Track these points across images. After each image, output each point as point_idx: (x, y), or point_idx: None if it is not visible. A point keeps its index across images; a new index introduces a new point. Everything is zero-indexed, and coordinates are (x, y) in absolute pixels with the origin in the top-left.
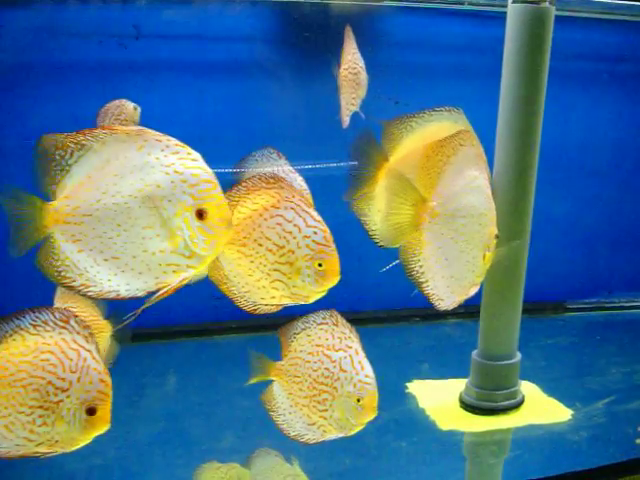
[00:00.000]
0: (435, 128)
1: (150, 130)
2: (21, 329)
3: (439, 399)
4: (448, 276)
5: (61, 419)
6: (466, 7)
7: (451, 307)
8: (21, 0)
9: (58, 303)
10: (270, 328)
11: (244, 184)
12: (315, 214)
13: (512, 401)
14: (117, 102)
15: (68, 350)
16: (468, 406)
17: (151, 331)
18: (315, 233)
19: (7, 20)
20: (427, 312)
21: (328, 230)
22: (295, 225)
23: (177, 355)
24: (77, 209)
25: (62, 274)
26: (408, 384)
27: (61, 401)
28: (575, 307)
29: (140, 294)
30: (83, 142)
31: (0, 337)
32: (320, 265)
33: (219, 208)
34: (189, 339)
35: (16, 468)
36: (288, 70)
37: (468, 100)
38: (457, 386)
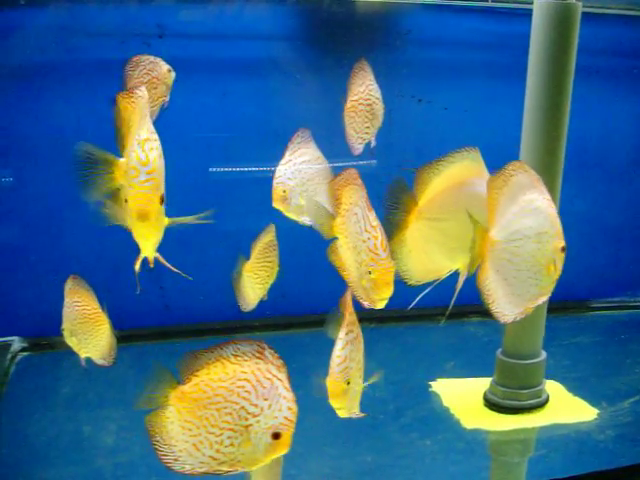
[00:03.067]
0: (457, 168)
1: None
2: (223, 357)
3: (463, 398)
4: (509, 294)
5: (248, 441)
6: (491, 4)
7: (517, 319)
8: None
9: (67, 297)
10: (293, 326)
11: (341, 177)
12: (372, 218)
13: (537, 400)
14: (151, 57)
15: (263, 379)
16: (493, 405)
17: (174, 329)
18: (368, 239)
19: (31, 19)
20: (450, 311)
21: (381, 237)
22: (359, 227)
23: None
24: None
25: None
26: (432, 383)
27: (250, 425)
28: (599, 306)
29: None
30: None
31: (203, 363)
32: (370, 273)
33: None
34: (211, 337)
35: (45, 464)
36: (310, 69)
37: (492, 98)
38: (481, 385)
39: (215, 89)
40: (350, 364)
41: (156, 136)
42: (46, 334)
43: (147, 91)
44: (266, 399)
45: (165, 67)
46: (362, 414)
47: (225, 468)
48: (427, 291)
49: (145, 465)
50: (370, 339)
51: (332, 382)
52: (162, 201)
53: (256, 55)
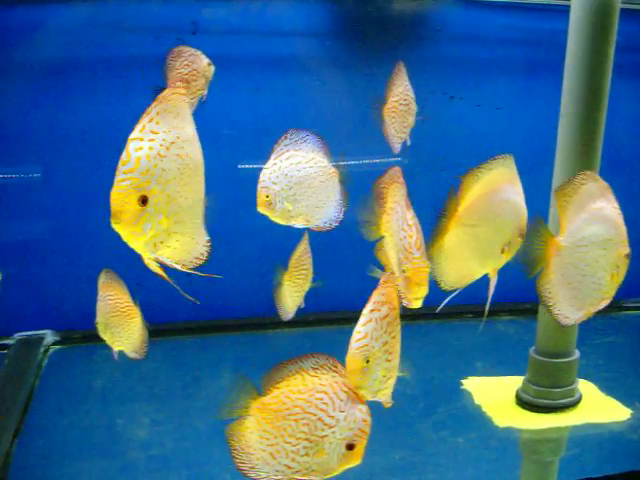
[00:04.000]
0: (492, 175)
1: None
2: (303, 370)
3: (495, 396)
4: (572, 297)
5: (322, 451)
6: (527, 0)
7: (578, 322)
8: None
9: (100, 291)
10: (321, 323)
11: (385, 176)
12: (409, 217)
13: (570, 399)
14: (192, 49)
15: (339, 392)
16: (525, 403)
17: (205, 324)
18: (404, 237)
19: (67, 15)
20: (480, 309)
21: (416, 236)
22: (397, 225)
23: (231, 348)
24: None
25: None
26: (463, 381)
27: (326, 436)
28: (632, 306)
29: None
30: None
31: (284, 375)
32: (404, 271)
33: None
34: (243, 333)
35: (79, 457)
36: (342, 66)
37: (526, 95)
38: (513, 383)
39: (248, 85)
40: (373, 343)
41: (152, 136)
42: (78, 327)
43: (186, 83)
44: (342, 411)
45: (205, 60)
46: (390, 402)
47: (298, 476)
48: (454, 295)
49: (179, 459)
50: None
51: (349, 357)
52: (143, 202)
53: (289, 52)
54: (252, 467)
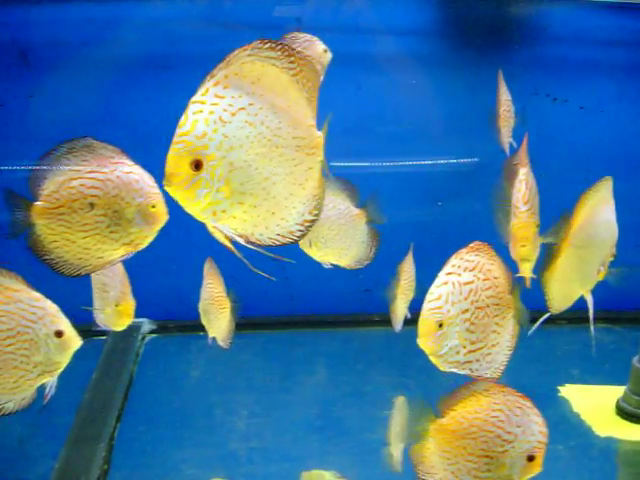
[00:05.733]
0: (597, 197)
1: None
2: (476, 392)
3: (594, 405)
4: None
5: (504, 466)
6: (631, 0)
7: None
8: None
9: (204, 279)
10: (409, 323)
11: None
12: (522, 172)
13: None
14: (308, 35)
15: (514, 408)
16: (626, 414)
17: (300, 319)
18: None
19: (170, 11)
20: (573, 315)
21: (524, 191)
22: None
23: (326, 344)
24: None
25: None
26: (560, 387)
27: (506, 451)
28: None
29: None
30: None
31: (459, 398)
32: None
33: None
34: (337, 329)
35: (180, 445)
36: (445, 64)
37: (632, 98)
38: (612, 392)
39: (349, 82)
40: (448, 306)
41: (216, 100)
42: (173, 318)
43: None
44: (519, 426)
45: (321, 47)
46: (465, 371)
47: None
48: (545, 318)
49: (278, 452)
50: None
51: (421, 318)
52: (196, 167)
53: (391, 49)
54: None
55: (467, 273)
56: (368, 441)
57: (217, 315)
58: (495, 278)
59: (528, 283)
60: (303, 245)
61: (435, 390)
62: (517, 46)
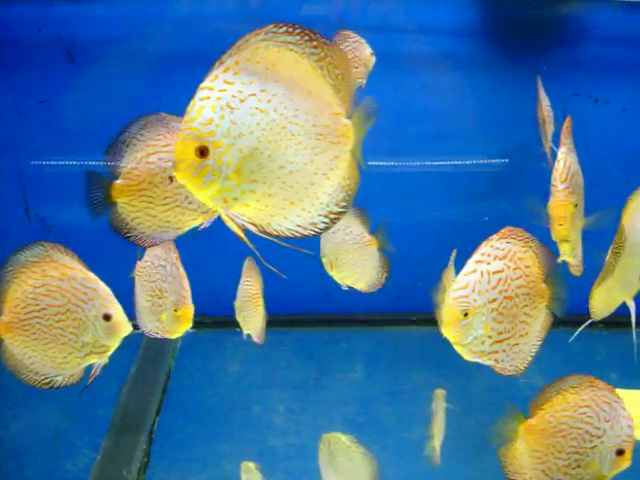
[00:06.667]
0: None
1: None
2: (562, 390)
3: (634, 409)
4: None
5: (594, 462)
6: None
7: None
8: None
9: (242, 276)
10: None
11: None
12: (561, 150)
13: None
14: (357, 36)
15: (602, 403)
16: None
17: (333, 317)
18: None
19: (207, 8)
20: (609, 319)
21: (562, 169)
22: None
23: (359, 343)
24: None
25: None
26: None
27: (595, 447)
28: None
29: None
30: None
31: (546, 397)
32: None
33: None
34: (371, 327)
35: (219, 439)
36: (485, 65)
37: None
38: None
39: (389, 82)
40: (474, 296)
41: (224, 86)
42: (209, 313)
43: None
44: (607, 421)
45: (369, 50)
46: (489, 362)
47: None
48: (586, 325)
49: (316, 448)
50: None
51: (446, 307)
52: (202, 153)
53: (431, 49)
54: None
55: (497, 262)
56: (406, 439)
57: (253, 312)
58: (527, 267)
59: (574, 269)
60: (325, 265)
61: (472, 390)
62: (558, 46)
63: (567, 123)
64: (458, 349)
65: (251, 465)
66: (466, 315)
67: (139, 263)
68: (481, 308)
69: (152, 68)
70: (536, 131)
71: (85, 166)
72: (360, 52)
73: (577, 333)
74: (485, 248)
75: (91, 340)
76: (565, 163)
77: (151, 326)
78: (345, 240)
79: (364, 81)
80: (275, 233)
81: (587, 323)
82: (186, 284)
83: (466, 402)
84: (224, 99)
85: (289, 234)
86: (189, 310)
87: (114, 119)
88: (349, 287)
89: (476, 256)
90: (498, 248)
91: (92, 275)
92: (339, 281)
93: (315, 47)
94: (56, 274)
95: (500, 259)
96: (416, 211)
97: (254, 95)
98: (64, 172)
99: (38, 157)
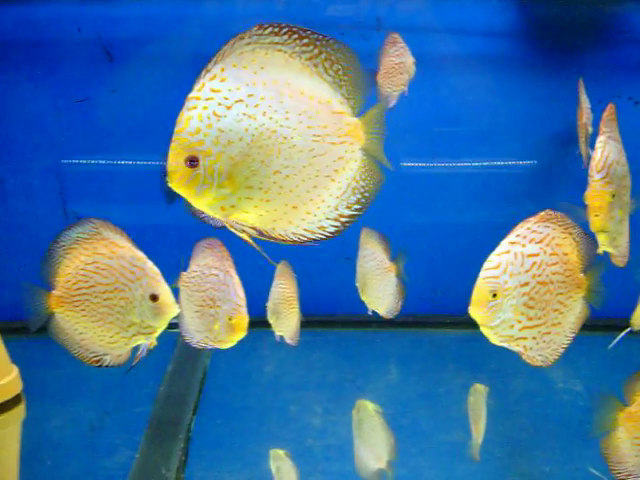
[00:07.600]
0: None
1: None
2: None
3: None
4: None
5: None
6: None
7: None
8: None
9: (275, 279)
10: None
11: None
12: (599, 139)
13: None
14: (404, 43)
15: None
16: None
17: (372, 318)
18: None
19: (241, 9)
20: None
21: (600, 158)
22: None
23: (395, 344)
24: None
25: None
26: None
27: None
28: None
29: None
30: None
31: None
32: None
33: None
34: (406, 329)
35: (257, 439)
36: (522, 66)
37: None
38: None
39: (427, 83)
40: (505, 277)
41: (211, 95)
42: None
43: (392, 75)
44: None
45: (412, 58)
46: (517, 348)
47: None
48: (625, 333)
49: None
50: None
51: (475, 286)
52: (192, 163)
53: (471, 50)
54: (629, 475)
55: (532, 245)
56: (445, 442)
57: (287, 314)
58: (565, 254)
59: (617, 260)
60: (358, 288)
61: (509, 394)
62: (598, 48)
63: (609, 111)
64: (485, 331)
65: (281, 452)
66: (495, 296)
67: (184, 273)
68: (511, 290)
69: (189, 68)
70: (575, 133)
71: (122, 165)
72: (405, 59)
73: (617, 340)
74: (521, 230)
75: (138, 320)
76: (602, 152)
77: (199, 337)
78: (371, 266)
79: (406, 88)
80: (281, 238)
81: (626, 331)
82: (241, 292)
83: (503, 405)
84: (210, 108)
85: (295, 238)
86: (244, 319)
87: (152, 119)
88: (373, 312)
89: (511, 237)
90: (535, 231)
91: (140, 254)
92: (368, 306)
93: (306, 45)
94: (106, 252)
95: (536, 242)
96: (452, 212)
97: (241, 101)
98: (102, 171)
99: (76, 156)
